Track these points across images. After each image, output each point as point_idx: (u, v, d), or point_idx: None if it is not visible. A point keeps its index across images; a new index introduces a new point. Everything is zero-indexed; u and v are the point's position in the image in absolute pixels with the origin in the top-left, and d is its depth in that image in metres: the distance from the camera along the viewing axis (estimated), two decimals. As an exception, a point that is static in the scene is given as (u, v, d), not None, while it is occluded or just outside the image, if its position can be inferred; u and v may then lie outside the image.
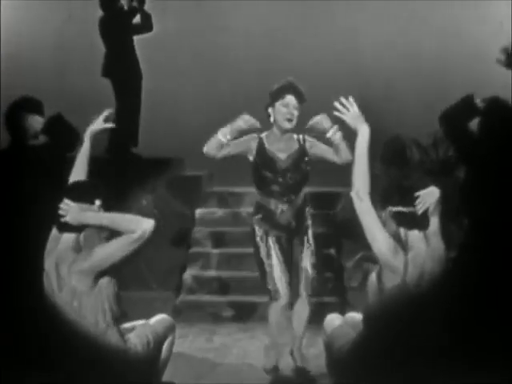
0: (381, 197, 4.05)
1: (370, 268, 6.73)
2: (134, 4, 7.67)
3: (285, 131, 4.90)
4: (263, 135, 4.97)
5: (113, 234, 3.86)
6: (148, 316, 4.28)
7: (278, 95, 4.87)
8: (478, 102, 4.33)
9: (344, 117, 4.00)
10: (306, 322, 5.01)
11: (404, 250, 3.87)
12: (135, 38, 7.79)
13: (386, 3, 8.43)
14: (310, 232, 4.99)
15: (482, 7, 8.39)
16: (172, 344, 4.28)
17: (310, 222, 5.02)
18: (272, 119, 4.91)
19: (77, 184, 4.07)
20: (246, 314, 6.16)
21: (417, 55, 8.35)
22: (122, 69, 7.66)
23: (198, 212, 7.39)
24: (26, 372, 3.66)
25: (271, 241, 4.90)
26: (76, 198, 3.86)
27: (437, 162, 7.64)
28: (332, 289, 6.62)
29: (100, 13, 7.76)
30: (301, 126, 4.93)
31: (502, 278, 3.85)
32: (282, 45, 8.48)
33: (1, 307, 3.80)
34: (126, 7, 7.66)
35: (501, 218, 4.00)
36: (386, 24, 8.50)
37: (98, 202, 3.91)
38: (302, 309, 4.98)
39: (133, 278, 6.93)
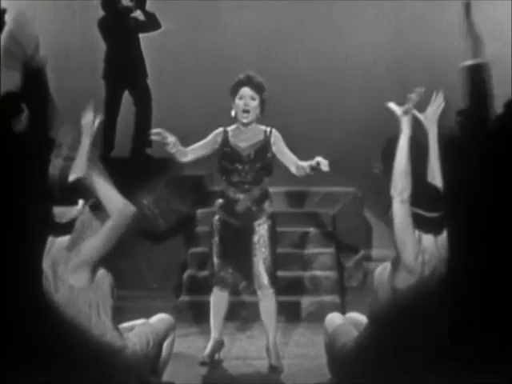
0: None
1: (369, 267, 6.77)
2: (133, 4, 7.67)
3: (245, 124, 5.00)
4: (229, 128, 5.08)
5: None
6: (148, 316, 4.28)
7: (233, 91, 5.02)
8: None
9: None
10: (274, 318, 5.05)
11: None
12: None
13: (385, 3, 8.43)
14: (265, 226, 4.99)
15: (484, 7, 8.39)
16: (172, 344, 4.28)
17: (268, 213, 5.02)
18: (233, 114, 5.02)
19: (57, 189, 4.12)
20: (246, 314, 6.15)
21: (417, 55, 8.35)
22: (127, 68, 7.69)
23: (199, 212, 7.38)
24: (24, 372, 3.66)
25: (225, 228, 4.99)
26: (58, 202, 3.90)
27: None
28: (332, 288, 6.61)
29: (101, 13, 7.78)
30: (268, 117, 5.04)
31: (499, 277, 3.85)
32: (283, 45, 8.48)
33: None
34: (125, 7, 7.67)
35: (496, 219, 3.99)
36: (385, 24, 8.50)
37: (81, 202, 3.92)
38: (268, 304, 5.03)
39: (133, 278, 6.93)
